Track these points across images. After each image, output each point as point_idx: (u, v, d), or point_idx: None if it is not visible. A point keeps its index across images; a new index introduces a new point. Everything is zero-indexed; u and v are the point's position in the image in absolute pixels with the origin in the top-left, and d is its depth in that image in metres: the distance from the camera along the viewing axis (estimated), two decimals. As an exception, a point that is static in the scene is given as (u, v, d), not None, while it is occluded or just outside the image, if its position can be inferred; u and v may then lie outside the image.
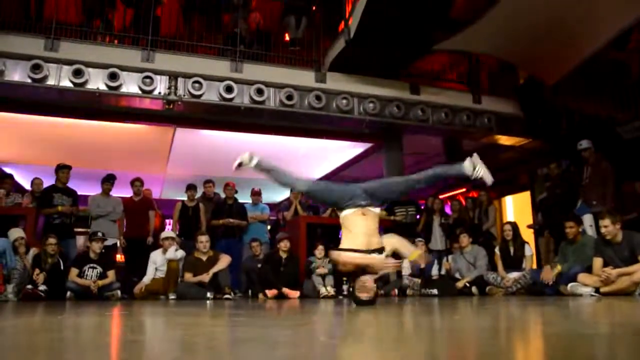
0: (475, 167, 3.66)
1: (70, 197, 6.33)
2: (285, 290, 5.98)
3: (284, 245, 6.35)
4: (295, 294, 6.00)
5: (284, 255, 6.33)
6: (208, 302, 5.19)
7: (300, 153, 9.40)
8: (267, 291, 5.94)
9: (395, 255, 3.80)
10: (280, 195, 11.61)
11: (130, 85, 6.41)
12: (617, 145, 6.82)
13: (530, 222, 7.83)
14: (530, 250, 6.11)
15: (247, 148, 9.05)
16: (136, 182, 7.04)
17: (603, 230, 4.79)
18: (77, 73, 6.14)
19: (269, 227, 8.02)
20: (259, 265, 6.37)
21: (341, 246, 3.65)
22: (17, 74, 6.03)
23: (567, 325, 2.23)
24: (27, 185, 10.19)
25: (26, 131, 7.93)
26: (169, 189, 11.42)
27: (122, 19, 7.33)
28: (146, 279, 6.00)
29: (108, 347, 1.68)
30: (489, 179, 3.69)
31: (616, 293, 4.50)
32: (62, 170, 6.39)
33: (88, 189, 7.74)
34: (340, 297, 5.91)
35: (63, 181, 6.39)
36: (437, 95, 7.75)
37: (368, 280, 3.50)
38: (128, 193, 7.23)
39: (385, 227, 5.87)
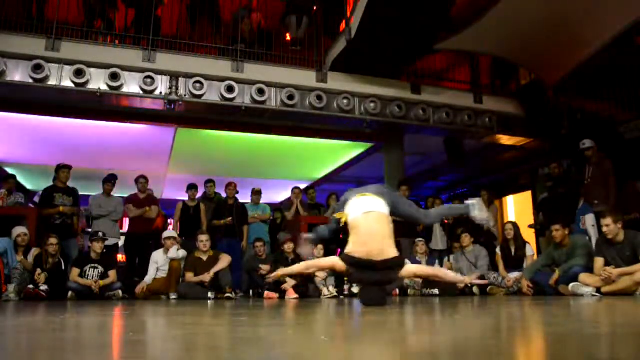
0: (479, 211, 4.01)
1: (71, 197, 6.34)
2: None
3: (288, 247, 6.33)
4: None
5: (291, 257, 6.30)
6: (209, 302, 5.19)
7: (302, 153, 9.40)
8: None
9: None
10: (281, 195, 11.61)
11: (131, 85, 6.41)
12: (619, 144, 6.80)
13: (532, 222, 7.82)
14: (531, 250, 6.12)
15: (248, 148, 8.92)
16: (141, 179, 7.05)
17: (605, 229, 4.79)
18: (79, 73, 6.14)
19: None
20: (264, 266, 6.34)
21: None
22: (19, 74, 6.03)
23: (568, 325, 2.22)
24: (29, 186, 10.21)
25: (28, 131, 7.93)
26: (170, 188, 11.43)
27: (124, 19, 7.34)
28: (148, 279, 6.01)
29: (110, 347, 1.69)
30: (489, 223, 4.12)
31: (617, 293, 4.49)
32: (63, 170, 6.39)
33: (89, 189, 7.75)
34: (342, 297, 5.90)
35: (63, 181, 6.39)
36: (438, 95, 7.74)
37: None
38: (129, 193, 7.22)
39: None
